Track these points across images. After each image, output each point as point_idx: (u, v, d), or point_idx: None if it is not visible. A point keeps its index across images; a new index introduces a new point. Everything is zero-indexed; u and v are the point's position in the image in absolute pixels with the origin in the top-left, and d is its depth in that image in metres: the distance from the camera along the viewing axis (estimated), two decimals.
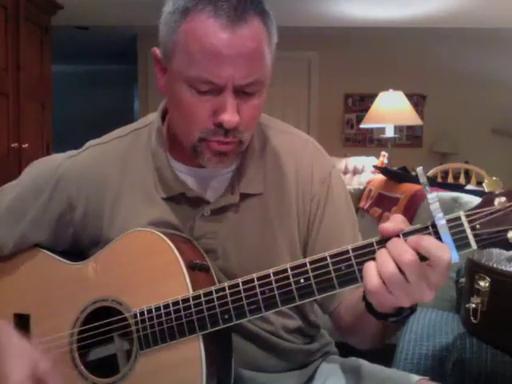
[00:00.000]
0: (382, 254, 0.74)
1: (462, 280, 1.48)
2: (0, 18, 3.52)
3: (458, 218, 0.74)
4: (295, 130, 1.08)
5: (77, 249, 1.04)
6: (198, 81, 0.85)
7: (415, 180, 2.46)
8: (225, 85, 0.85)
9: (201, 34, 0.83)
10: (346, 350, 1.13)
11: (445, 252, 0.72)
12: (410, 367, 1.48)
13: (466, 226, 0.73)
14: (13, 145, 3.65)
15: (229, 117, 0.86)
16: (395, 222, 0.76)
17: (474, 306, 1.30)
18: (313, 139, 1.08)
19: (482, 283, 1.29)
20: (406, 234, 0.75)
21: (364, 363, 1.05)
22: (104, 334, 0.92)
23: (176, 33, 0.86)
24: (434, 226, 0.74)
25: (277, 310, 0.83)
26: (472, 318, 1.31)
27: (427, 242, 0.72)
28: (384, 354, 1.35)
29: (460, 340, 1.39)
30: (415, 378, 0.99)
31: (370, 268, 0.74)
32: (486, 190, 0.76)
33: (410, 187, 2.40)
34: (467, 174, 4.55)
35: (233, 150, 0.91)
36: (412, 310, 0.81)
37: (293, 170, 1.01)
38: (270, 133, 1.04)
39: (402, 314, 0.81)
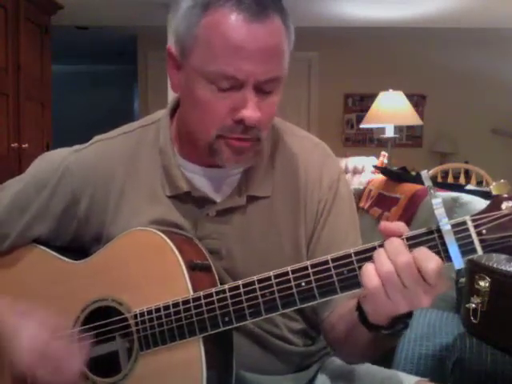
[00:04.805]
0: (379, 254, 0.74)
1: (462, 280, 1.48)
2: (0, 17, 3.52)
3: (464, 223, 0.72)
4: (306, 134, 1.07)
5: (78, 245, 1.03)
6: (219, 76, 0.84)
7: (415, 180, 2.46)
8: (246, 80, 0.84)
9: (223, 28, 0.82)
10: None
11: (429, 262, 0.71)
12: (409, 367, 1.47)
13: (472, 231, 0.71)
14: (13, 145, 3.64)
15: (250, 113, 0.85)
16: (396, 223, 0.76)
17: (474, 306, 1.30)
18: (324, 143, 1.06)
19: (482, 283, 1.29)
20: (410, 239, 0.74)
21: (364, 364, 1.04)
22: (104, 334, 0.92)
23: (197, 27, 0.84)
24: (438, 230, 0.73)
25: (277, 313, 0.82)
26: (472, 318, 1.31)
27: (416, 253, 0.72)
28: (384, 354, 1.35)
29: (460, 340, 1.39)
30: (414, 379, 0.99)
31: (369, 269, 0.73)
32: (493, 194, 0.73)
33: (409, 187, 2.40)
34: (467, 174, 4.54)
35: (250, 147, 0.90)
36: (405, 324, 0.80)
37: (302, 173, 1.00)
38: (280, 135, 1.03)
39: (395, 328, 0.79)
